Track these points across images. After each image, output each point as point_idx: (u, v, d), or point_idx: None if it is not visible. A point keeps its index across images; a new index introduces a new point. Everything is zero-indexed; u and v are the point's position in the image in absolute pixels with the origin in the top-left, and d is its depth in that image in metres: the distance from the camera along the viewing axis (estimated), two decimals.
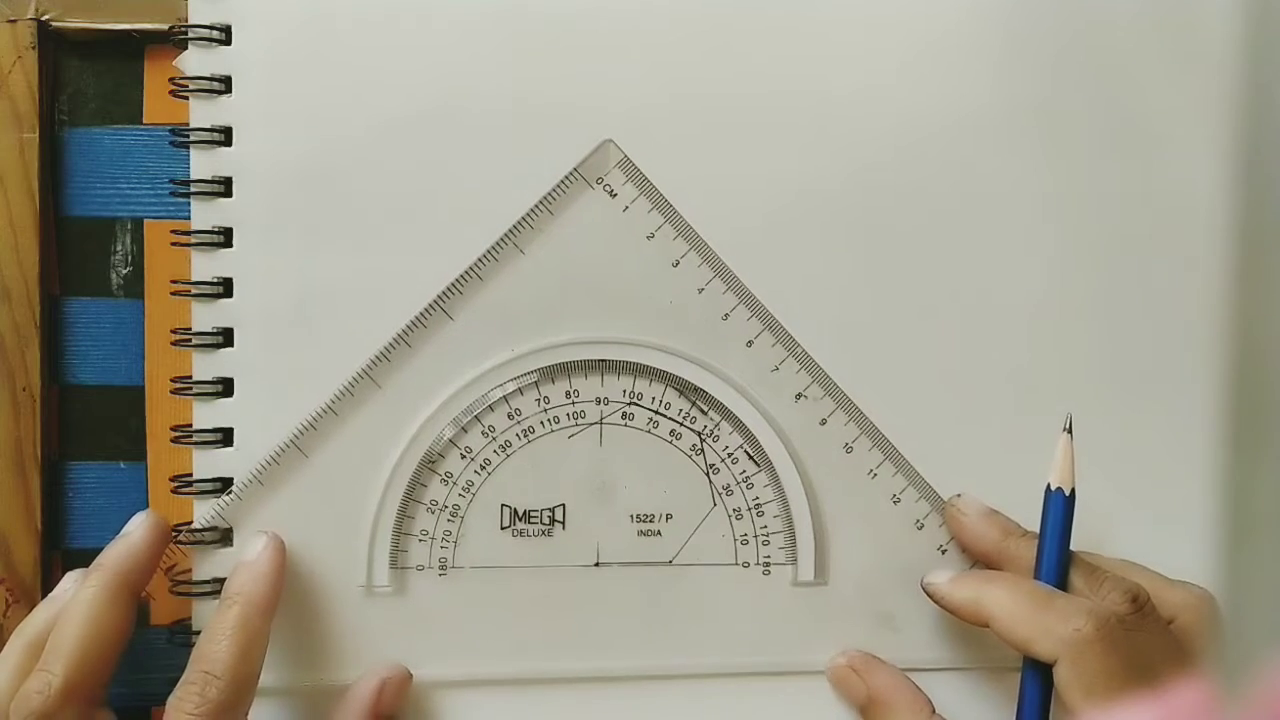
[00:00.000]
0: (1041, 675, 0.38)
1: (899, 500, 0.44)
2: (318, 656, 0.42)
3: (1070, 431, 0.41)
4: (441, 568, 0.43)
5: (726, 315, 0.43)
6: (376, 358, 0.42)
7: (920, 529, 0.44)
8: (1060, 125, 0.44)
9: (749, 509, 0.44)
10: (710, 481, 0.44)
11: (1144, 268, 0.45)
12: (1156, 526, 0.44)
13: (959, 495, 0.43)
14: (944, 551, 0.44)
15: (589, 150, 0.43)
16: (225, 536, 0.42)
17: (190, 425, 0.42)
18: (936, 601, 0.42)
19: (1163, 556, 0.41)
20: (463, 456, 0.43)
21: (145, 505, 0.43)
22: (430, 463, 0.43)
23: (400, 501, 0.42)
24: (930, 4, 0.44)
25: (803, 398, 0.44)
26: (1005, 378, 0.44)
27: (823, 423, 0.44)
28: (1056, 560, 0.40)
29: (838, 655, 0.44)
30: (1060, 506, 0.40)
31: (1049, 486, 0.41)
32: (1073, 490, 0.40)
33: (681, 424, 0.43)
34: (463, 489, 0.43)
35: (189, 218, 0.42)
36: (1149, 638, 0.38)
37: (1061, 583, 0.40)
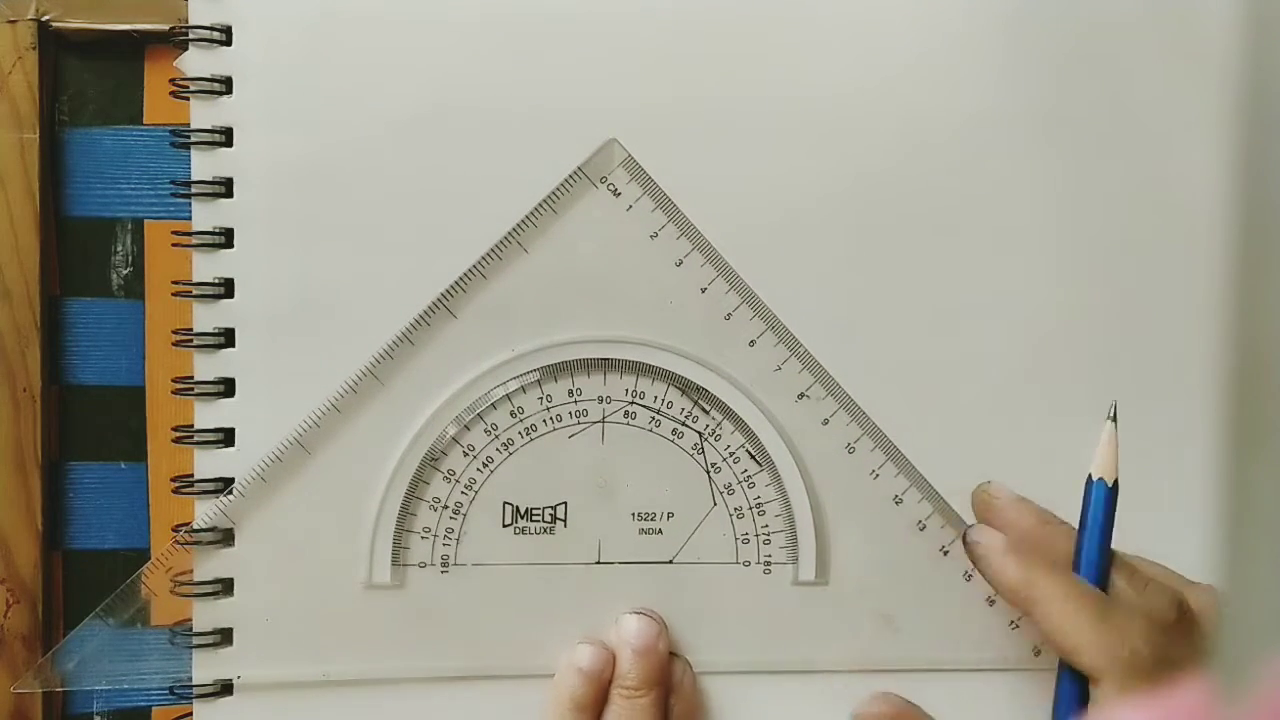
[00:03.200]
0: (1080, 680, 0.37)
1: (901, 501, 0.44)
2: (319, 653, 0.42)
3: (1115, 420, 0.39)
4: (443, 565, 0.43)
5: (729, 315, 0.43)
6: (380, 355, 0.42)
7: (922, 530, 0.44)
8: (1061, 127, 0.44)
9: (750, 508, 0.44)
10: (711, 480, 0.44)
11: (1145, 268, 0.45)
12: (1157, 526, 0.44)
13: (989, 481, 0.43)
14: (945, 553, 0.44)
15: (593, 149, 0.43)
16: (226, 536, 0.42)
17: (191, 425, 0.42)
18: (979, 564, 0.40)
19: (1164, 556, 0.41)
20: (465, 454, 0.43)
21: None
22: (433, 460, 0.43)
23: (402, 499, 0.42)
24: (933, 6, 0.44)
25: (805, 398, 0.44)
26: (1007, 378, 0.44)
27: (825, 423, 0.44)
28: (1098, 556, 0.39)
29: (871, 701, 0.43)
30: (1103, 498, 0.39)
31: (1090, 477, 0.39)
32: (1115, 482, 0.39)
33: (683, 423, 0.43)
34: (465, 486, 0.43)
35: (190, 218, 0.42)
36: (1188, 645, 0.37)
37: (1103, 579, 0.39)
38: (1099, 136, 0.44)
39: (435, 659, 0.43)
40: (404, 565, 0.43)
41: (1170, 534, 0.43)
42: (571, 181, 0.43)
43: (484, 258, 0.42)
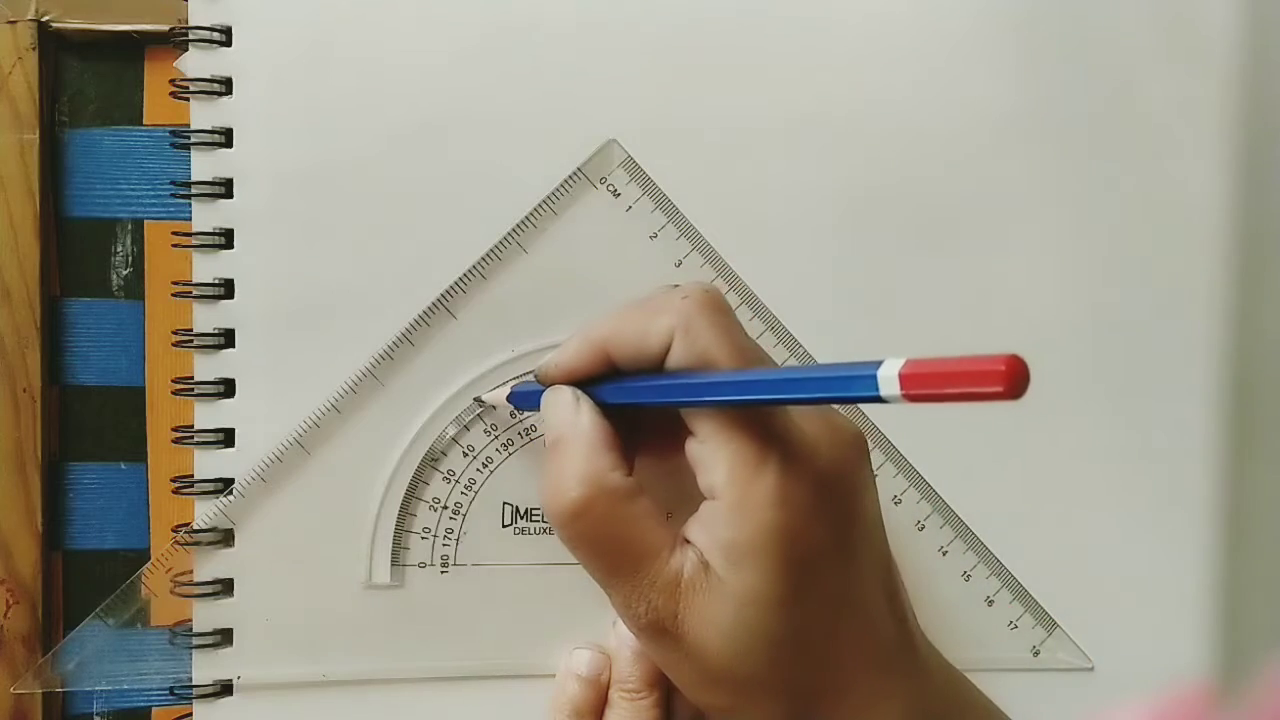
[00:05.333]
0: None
1: (900, 501, 0.44)
2: (319, 653, 0.42)
3: None
4: (443, 565, 0.43)
5: None
6: (380, 355, 0.42)
7: (921, 530, 0.44)
8: (1062, 128, 0.44)
9: None
10: None
11: (1147, 269, 0.45)
12: (1157, 527, 0.44)
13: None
14: (945, 553, 0.44)
15: (593, 150, 0.43)
16: (226, 537, 0.42)
17: (191, 426, 0.42)
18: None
19: (1163, 556, 0.41)
20: (465, 454, 0.43)
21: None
22: (433, 460, 0.43)
23: (402, 499, 0.42)
24: (934, 9, 0.44)
25: None
26: None
27: None
28: None
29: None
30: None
31: None
32: None
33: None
34: (465, 487, 0.43)
35: (190, 219, 0.42)
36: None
37: None
38: (1100, 139, 0.44)
39: (435, 659, 0.43)
40: (404, 565, 0.43)
41: (1170, 535, 0.43)
42: (571, 182, 0.43)
43: (484, 258, 0.42)
